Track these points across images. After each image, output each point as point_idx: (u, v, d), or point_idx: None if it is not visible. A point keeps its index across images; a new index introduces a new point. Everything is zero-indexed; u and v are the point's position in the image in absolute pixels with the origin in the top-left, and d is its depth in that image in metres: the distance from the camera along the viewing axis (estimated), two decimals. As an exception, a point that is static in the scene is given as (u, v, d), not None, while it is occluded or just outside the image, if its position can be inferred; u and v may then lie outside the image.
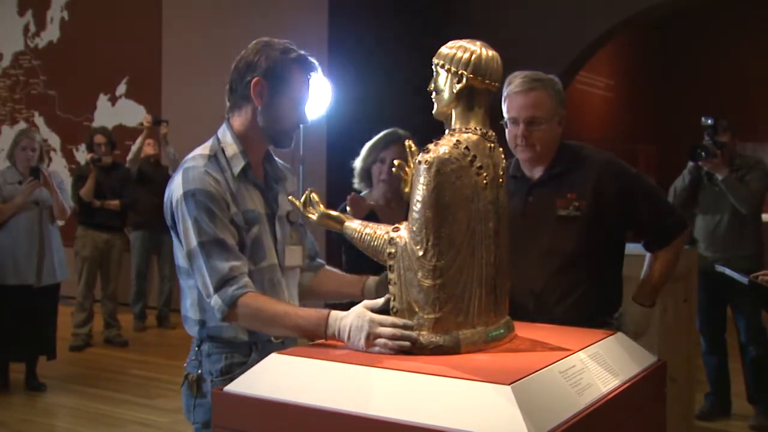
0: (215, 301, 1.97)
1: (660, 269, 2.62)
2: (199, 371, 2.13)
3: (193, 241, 2.00)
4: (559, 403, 1.56)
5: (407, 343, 1.73)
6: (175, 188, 2.04)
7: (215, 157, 2.08)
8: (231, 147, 2.10)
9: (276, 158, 2.26)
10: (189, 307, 2.13)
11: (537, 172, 2.56)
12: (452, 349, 1.73)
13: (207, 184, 2.00)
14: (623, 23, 7.74)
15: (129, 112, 8.64)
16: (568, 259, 2.47)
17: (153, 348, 6.73)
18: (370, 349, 1.76)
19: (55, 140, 9.29)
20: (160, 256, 7.42)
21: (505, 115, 2.54)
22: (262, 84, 2.05)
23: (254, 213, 2.09)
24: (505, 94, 2.52)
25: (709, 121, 4.60)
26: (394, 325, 1.75)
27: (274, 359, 1.76)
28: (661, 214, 2.59)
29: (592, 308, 2.45)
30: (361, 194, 3.25)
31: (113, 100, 8.86)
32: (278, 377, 1.69)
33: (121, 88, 8.79)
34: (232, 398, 1.69)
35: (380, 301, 1.81)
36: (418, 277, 1.75)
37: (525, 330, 2.01)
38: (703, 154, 4.49)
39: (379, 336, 1.75)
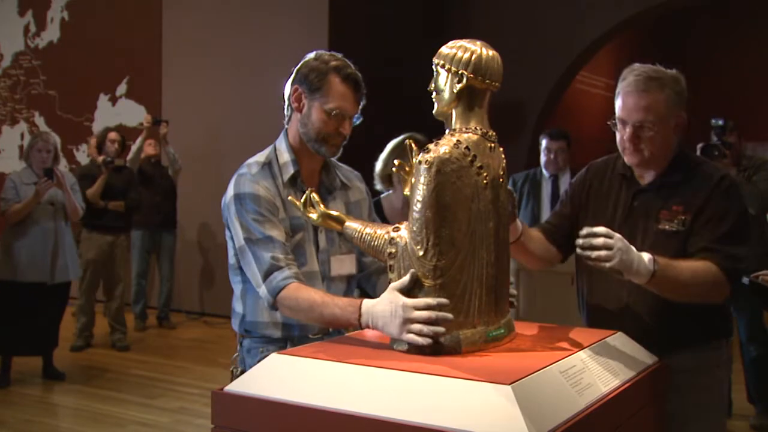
0: (263, 291, 2.05)
1: (688, 267, 2.07)
2: (242, 367, 2.21)
3: (241, 239, 2.09)
4: (560, 403, 1.56)
5: (442, 329, 1.71)
6: (228, 192, 2.16)
7: (269, 165, 2.17)
8: (284, 155, 2.19)
9: (342, 166, 2.32)
10: (234, 302, 2.23)
11: (648, 177, 2.31)
12: (453, 348, 1.73)
13: (255, 188, 2.10)
14: (623, 23, 7.74)
15: (129, 112, 8.63)
16: None
17: (154, 348, 6.72)
18: (404, 336, 1.73)
19: (55, 140, 9.28)
20: (159, 255, 7.41)
21: (616, 112, 2.28)
22: (298, 91, 2.14)
23: (299, 220, 2.15)
24: (618, 89, 2.28)
25: (720, 122, 4.61)
26: (428, 306, 1.72)
27: (274, 359, 1.76)
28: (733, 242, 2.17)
29: (689, 334, 2.21)
30: (383, 195, 3.24)
31: (113, 100, 8.85)
32: (278, 377, 1.69)
33: (122, 88, 8.79)
34: (232, 398, 1.70)
35: (406, 279, 1.77)
36: (419, 276, 1.75)
37: (526, 330, 2.01)
38: (715, 153, 4.49)
39: (415, 320, 1.72)
